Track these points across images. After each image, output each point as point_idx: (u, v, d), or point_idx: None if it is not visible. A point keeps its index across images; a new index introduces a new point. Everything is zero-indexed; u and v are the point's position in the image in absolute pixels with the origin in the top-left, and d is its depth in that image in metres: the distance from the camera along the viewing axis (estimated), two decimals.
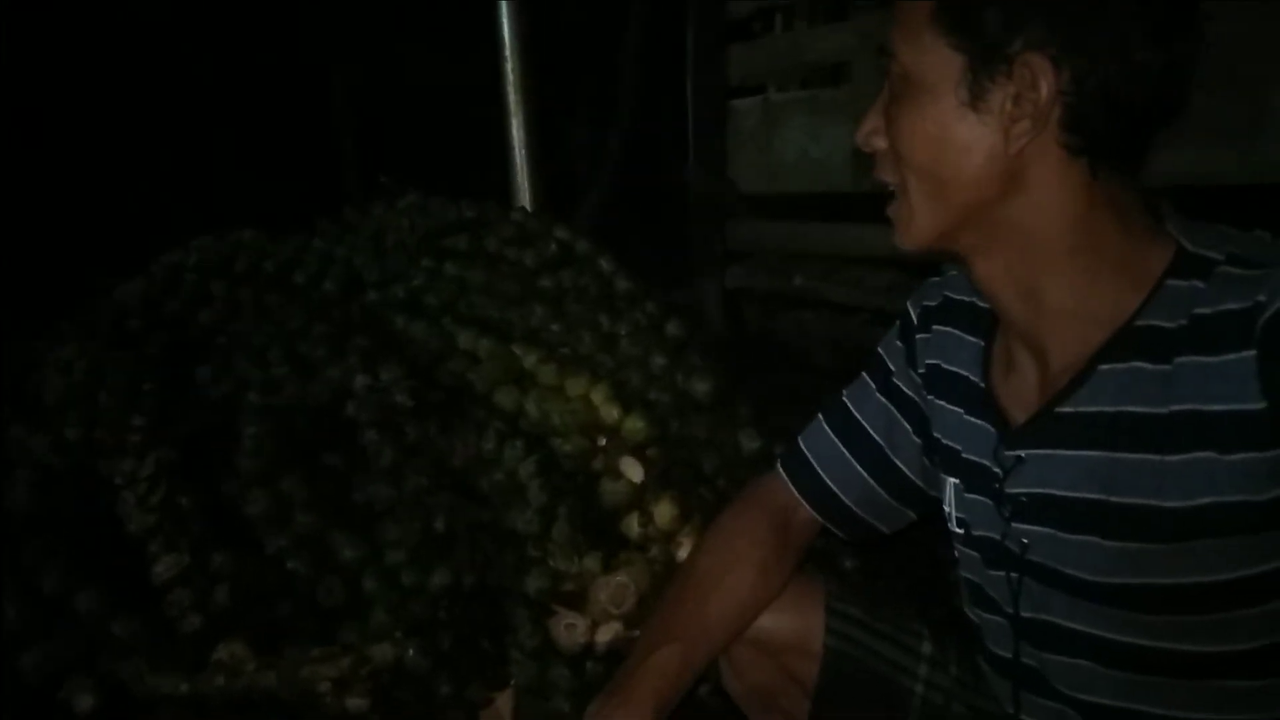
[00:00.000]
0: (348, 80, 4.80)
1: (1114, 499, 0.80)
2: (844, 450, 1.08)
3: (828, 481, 1.09)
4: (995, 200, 0.80)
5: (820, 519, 1.11)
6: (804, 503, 1.11)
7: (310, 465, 1.83)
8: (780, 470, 1.13)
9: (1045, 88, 0.75)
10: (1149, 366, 0.77)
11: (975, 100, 0.78)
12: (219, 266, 2.35)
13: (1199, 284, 0.76)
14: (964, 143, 0.79)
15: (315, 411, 1.93)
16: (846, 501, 1.09)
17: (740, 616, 1.06)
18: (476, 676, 1.53)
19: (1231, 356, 0.72)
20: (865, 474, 1.08)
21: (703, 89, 3.32)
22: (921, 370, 1.02)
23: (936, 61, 0.79)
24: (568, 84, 4.37)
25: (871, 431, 1.07)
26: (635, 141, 4.20)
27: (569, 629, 1.35)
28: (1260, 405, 0.70)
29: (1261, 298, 0.71)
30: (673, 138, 3.52)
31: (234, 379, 2.01)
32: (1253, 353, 0.71)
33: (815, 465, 1.10)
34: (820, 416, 1.12)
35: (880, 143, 0.86)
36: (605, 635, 1.36)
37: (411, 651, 1.49)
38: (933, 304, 1.02)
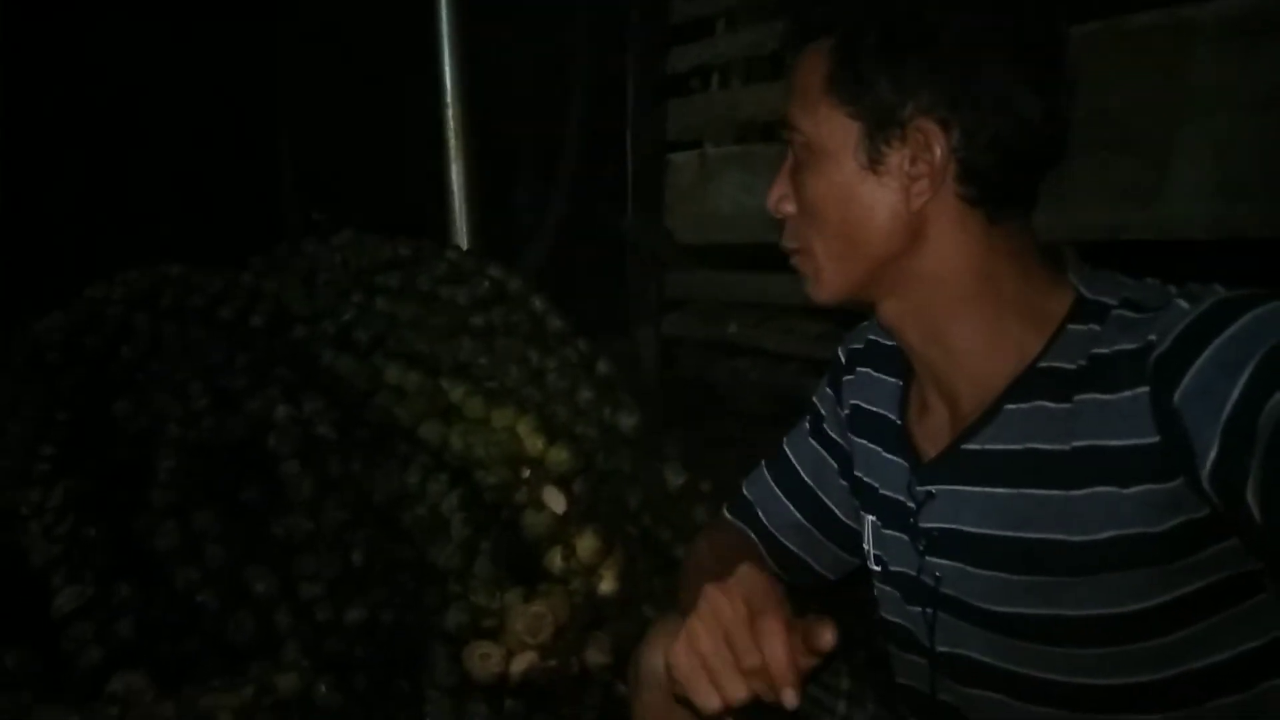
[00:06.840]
0: (293, 124, 4.81)
1: (1021, 534, 0.82)
2: (779, 493, 1.10)
3: (768, 525, 1.10)
4: (900, 254, 0.84)
5: (770, 562, 1.10)
6: (759, 546, 1.11)
7: (226, 500, 1.78)
8: (732, 519, 1.14)
9: (939, 149, 0.80)
10: (1052, 405, 0.80)
11: (874, 164, 0.82)
12: (144, 300, 2.31)
13: (1096, 327, 0.80)
14: (867, 203, 0.84)
15: (234, 446, 1.89)
16: (788, 545, 1.09)
17: None
18: (391, 716, 1.49)
19: (1128, 393, 0.75)
20: (799, 516, 1.08)
21: (642, 142, 3.39)
22: (846, 411, 1.04)
23: (835, 129, 0.83)
24: (510, 135, 4.42)
25: (802, 474, 1.09)
26: (576, 192, 4.25)
27: (483, 658, 1.32)
28: (1155, 439, 0.73)
29: (1153, 337, 0.75)
30: (612, 189, 3.57)
31: (152, 412, 1.96)
32: (1146, 389, 0.74)
33: (757, 509, 1.11)
34: (763, 463, 1.14)
35: (789, 207, 0.90)
36: (520, 665, 1.34)
37: (324, 688, 1.45)
38: (859, 347, 1.05)
